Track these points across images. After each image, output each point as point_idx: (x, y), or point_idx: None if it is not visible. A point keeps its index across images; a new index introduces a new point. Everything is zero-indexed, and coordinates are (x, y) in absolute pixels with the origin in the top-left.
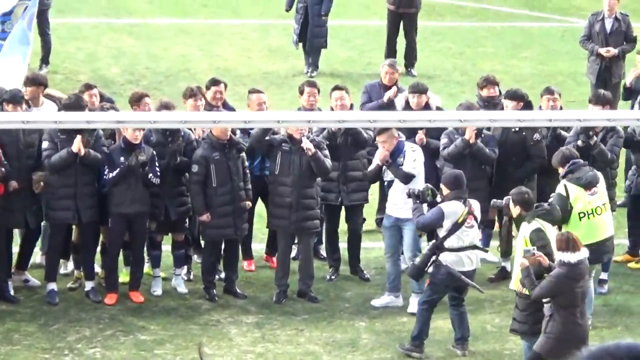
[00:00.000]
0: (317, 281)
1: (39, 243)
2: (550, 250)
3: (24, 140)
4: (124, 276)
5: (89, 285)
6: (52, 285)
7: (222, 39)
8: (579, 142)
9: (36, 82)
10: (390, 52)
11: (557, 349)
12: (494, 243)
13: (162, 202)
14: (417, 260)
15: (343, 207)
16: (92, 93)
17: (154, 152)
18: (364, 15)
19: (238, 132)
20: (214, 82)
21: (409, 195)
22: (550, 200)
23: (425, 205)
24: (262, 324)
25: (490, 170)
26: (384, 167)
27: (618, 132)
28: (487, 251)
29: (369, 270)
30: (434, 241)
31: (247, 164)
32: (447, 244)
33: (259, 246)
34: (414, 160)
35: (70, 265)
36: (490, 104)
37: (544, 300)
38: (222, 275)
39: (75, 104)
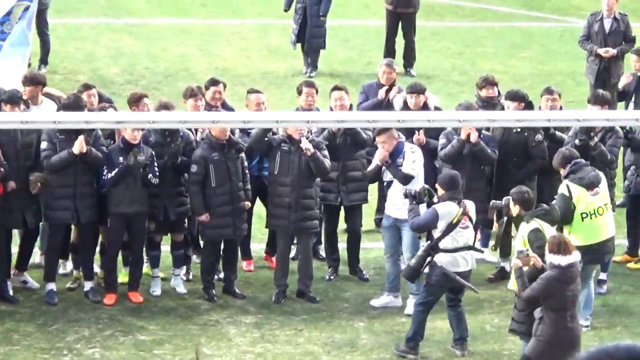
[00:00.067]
0: (316, 281)
1: (38, 243)
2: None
3: (22, 140)
4: (123, 276)
5: (88, 285)
6: (51, 286)
7: (221, 39)
8: (577, 142)
9: (34, 81)
10: (389, 52)
11: (547, 352)
12: (493, 243)
13: (161, 202)
14: (412, 261)
15: (342, 207)
16: (91, 93)
17: (153, 152)
18: (363, 15)
19: (237, 132)
20: (213, 82)
21: (406, 196)
22: (553, 201)
23: (422, 206)
24: (261, 324)
25: (490, 170)
26: (384, 168)
27: (617, 133)
28: (482, 252)
29: (368, 271)
30: (428, 242)
31: (246, 164)
32: (442, 244)
33: (258, 246)
34: (413, 161)
35: (69, 265)
36: (489, 104)
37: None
38: (221, 275)
39: (74, 104)
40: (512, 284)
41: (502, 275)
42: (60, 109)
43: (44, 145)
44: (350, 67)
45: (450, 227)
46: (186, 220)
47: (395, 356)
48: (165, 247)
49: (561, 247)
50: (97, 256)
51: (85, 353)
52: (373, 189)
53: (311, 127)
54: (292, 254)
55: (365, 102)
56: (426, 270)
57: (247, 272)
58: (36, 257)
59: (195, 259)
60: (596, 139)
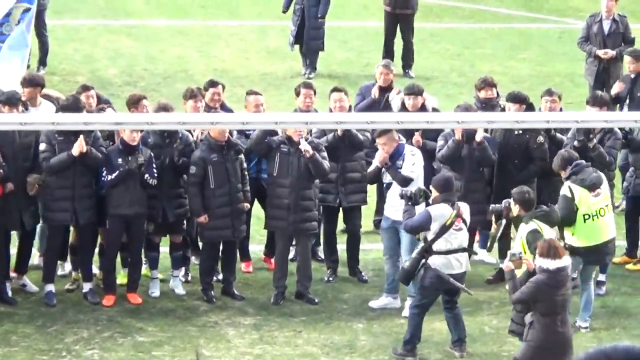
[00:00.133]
0: (315, 283)
1: (36, 244)
2: None
3: (20, 141)
4: (122, 278)
5: (86, 286)
6: (50, 287)
7: (219, 40)
8: (575, 143)
9: (33, 82)
10: (388, 53)
11: (537, 356)
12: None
13: (160, 203)
14: (407, 264)
15: (341, 209)
16: (89, 94)
17: (152, 154)
18: (361, 17)
19: (235, 133)
20: (212, 83)
21: (402, 197)
22: (556, 205)
23: (417, 208)
24: (260, 326)
25: (489, 172)
26: (383, 169)
27: (615, 134)
28: (476, 254)
29: (367, 272)
30: (422, 244)
31: (245, 165)
32: (436, 246)
33: (256, 248)
34: (413, 164)
35: (68, 266)
36: (488, 105)
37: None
38: (220, 276)
39: (72, 106)
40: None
41: (500, 277)
42: (59, 111)
43: (42, 146)
44: (348, 68)
45: (444, 229)
46: (185, 221)
47: (394, 359)
48: (164, 249)
49: (551, 251)
50: (96, 257)
51: (84, 354)
52: (372, 190)
53: (310, 128)
54: (291, 255)
55: (361, 102)
56: (420, 272)
57: (245, 273)
58: (35, 258)
59: (194, 260)
60: (595, 141)
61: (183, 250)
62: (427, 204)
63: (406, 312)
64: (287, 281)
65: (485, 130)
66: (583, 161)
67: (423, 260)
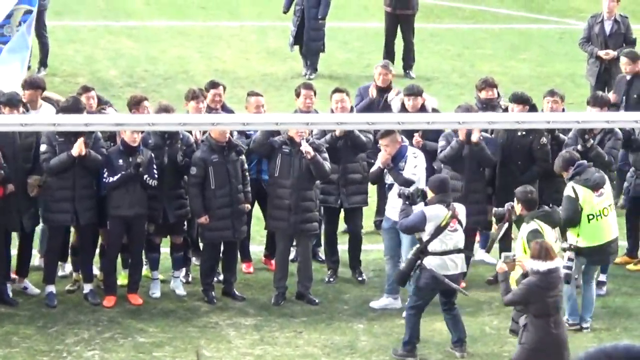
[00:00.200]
0: (316, 283)
1: (37, 245)
2: None
3: (20, 143)
4: (122, 279)
5: (87, 287)
6: (51, 288)
7: (220, 41)
8: (579, 147)
9: (34, 85)
10: (389, 54)
11: (532, 358)
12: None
13: (160, 204)
14: (402, 265)
15: (342, 210)
16: (90, 95)
17: (152, 155)
18: (362, 17)
19: (235, 134)
20: (213, 84)
21: (399, 196)
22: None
23: (414, 207)
24: (260, 326)
25: (490, 173)
26: (385, 170)
27: (616, 134)
28: (473, 255)
29: (367, 272)
30: (417, 245)
31: (246, 166)
32: (431, 247)
33: (257, 248)
34: (415, 166)
35: (69, 267)
36: (489, 106)
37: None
38: (221, 277)
39: (73, 107)
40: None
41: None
42: (59, 112)
43: (43, 148)
44: (349, 69)
45: (439, 230)
46: (186, 222)
47: (394, 359)
48: (165, 250)
49: (542, 253)
50: (96, 258)
51: (85, 355)
52: (372, 191)
53: (310, 129)
54: (292, 256)
55: (360, 103)
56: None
57: (246, 274)
58: (35, 259)
59: (194, 261)
60: (592, 141)
61: (184, 251)
62: (426, 204)
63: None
64: (287, 282)
65: (486, 131)
66: (584, 161)
67: (418, 261)
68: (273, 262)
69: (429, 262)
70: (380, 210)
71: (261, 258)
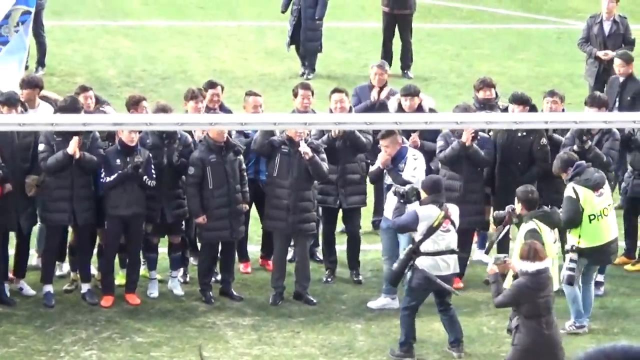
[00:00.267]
0: (314, 283)
1: (34, 245)
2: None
3: (18, 142)
4: (120, 278)
5: (85, 287)
6: (49, 288)
7: (218, 41)
8: (575, 147)
9: (32, 84)
10: (386, 54)
11: None
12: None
13: (158, 204)
14: (395, 265)
15: (341, 210)
16: (88, 95)
17: (150, 155)
18: (360, 17)
19: (234, 133)
20: (211, 84)
21: (395, 194)
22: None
23: (409, 206)
24: (258, 326)
25: (488, 173)
26: (385, 171)
27: (614, 135)
28: (466, 255)
29: (365, 273)
30: (410, 246)
31: (244, 166)
32: (423, 247)
33: (255, 248)
34: (414, 168)
35: (66, 267)
36: (487, 106)
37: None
38: (219, 277)
39: (71, 106)
40: (508, 284)
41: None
42: (57, 112)
43: (41, 147)
44: (347, 69)
45: (431, 230)
46: (183, 222)
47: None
48: (163, 250)
49: (530, 254)
50: (94, 258)
51: (83, 355)
52: (369, 191)
53: (308, 129)
54: (290, 256)
55: (357, 104)
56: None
57: (244, 274)
58: (33, 259)
59: (192, 261)
60: (590, 143)
61: (182, 251)
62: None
63: None
64: (285, 282)
65: (484, 130)
66: (583, 162)
67: (411, 262)
68: (270, 262)
69: (421, 262)
70: (378, 211)
71: (258, 259)
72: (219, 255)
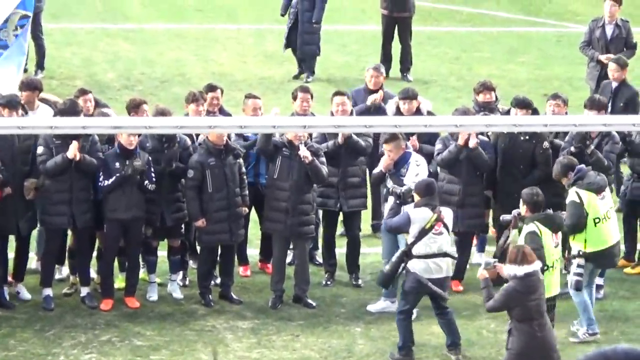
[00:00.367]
0: (313, 287)
1: (33, 248)
2: (542, 255)
3: (19, 145)
4: (119, 282)
5: (84, 290)
6: (48, 291)
7: (217, 44)
8: (572, 149)
9: (31, 86)
10: (386, 57)
11: None
12: (489, 248)
13: (158, 208)
14: (386, 267)
15: (341, 213)
16: (87, 98)
17: (150, 158)
18: (359, 20)
19: (233, 136)
20: (211, 88)
21: (391, 194)
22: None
23: (404, 207)
24: (257, 330)
25: (491, 176)
26: (387, 174)
27: (613, 138)
28: (455, 258)
29: (365, 276)
30: (402, 248)
31: (244, 169)
32: (415, 250)
33: (254, 252)
34: (416, 174)
35: (65, 270)
36: (487, 109)
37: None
38: (218, 280)
39: (70, 109)
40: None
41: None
42: (57, 114)
43: (40, 150)
44: (346, 72)
45: (423, 233)
46: (183, 225)
47: None
48: (162, 253)
49: (518, 257)
50: (93, 261)
51: (82, 358)
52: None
53: (308, 132)
54: (289, 259)
55: (353, 108)
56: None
57: (243, 277)
58: (32, 262)
59: (192, 264)
60: (592, 147)
61: (181, 254)
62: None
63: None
64: (284, 285)
65: (484, 134)
66: (583, 165)
67: (402, 264)
68: (269, 265)
69: (413, 265)
70: (376, 215)
71: (257, 263)
72: (218, 258)
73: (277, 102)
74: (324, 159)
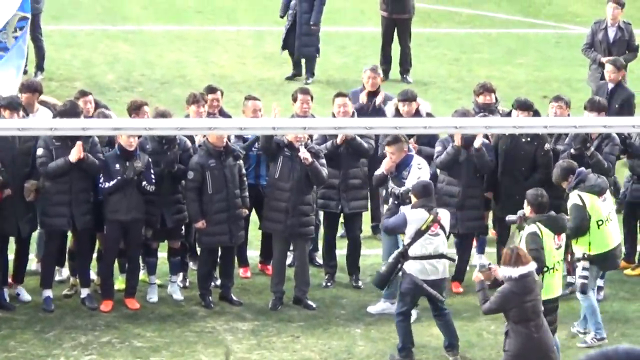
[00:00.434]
0: (313, 288)
1: (34, 249)
2: (542, 256)
3: (19, 147)
4: (119, 283)
5: (84, 292)
6: (48, 292)
7: (217, 46)
8: (572, 151)
9: (31, 88)
10: (385, 58)
11: None
12: (489, 249)
13: (158, 209)
14: (383, 268)
15: (342, 215)
16: (87, 100)
17: (149, 160)
18: (359, 22)
19: (233, 138)
20: (211, 89)
21: (390, 194)
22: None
23: (402, 208)
24: (257, 331)
25: (492, 178)
26: (389, 176)
27: (613, 140)
28: (454, 260)
29: (365, 277)
30: (398, 249)
31: (244, 171)
32: (411, 251)
33: (254, 253)
34: (417, 178)
35: (66, 272)
36: (487, 110)
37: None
38: (218, 282)
39: (70, 111)
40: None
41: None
42: (57, 116)
43: (40, 152)
44: (346, 73)
45: (419, 234)
46: (183, 227)
47: None
48: (162, 254)
49: (512, 259)
50: (93, 263)
51: None
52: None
53: (307, 133)
54: (289, 261)
55: None
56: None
57: (243, 278)
58: (32, 264)
59: (192, 265)
60: (592, 149)
61: (181, 255)
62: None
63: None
64: (284, 286)
65: (486, 136)
66: (582, 168)
67: (399, 265)
68: (269, 267)
69: (409, 267)
70: (375, 216)
71: (257, 265)
72: (218, 260)
73: (276, 103)
74: (324, 161)
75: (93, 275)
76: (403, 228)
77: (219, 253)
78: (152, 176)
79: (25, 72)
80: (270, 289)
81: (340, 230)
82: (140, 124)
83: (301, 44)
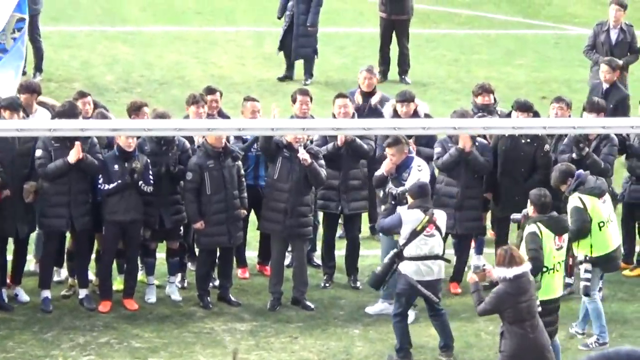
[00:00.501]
0: (311, 289)
1: (32, 250)
2: (541, 256)
3: (18, 148)
4: (118, 284)
5: (82, 292)
6: (46, 293)
7: (216, 47)
8: (574, 155)
9: (30, 89)
10: (384, 59)
11: None
12: (487, 250)
13: (157, 210)
14: (378, 269)
15: (341, 215)
16: (86, 101)
17: (148, 160)
18: (357, 23)
19: (232, 139)
20: (210, 90)
21: (388, 194)
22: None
23: (399, 208)
24: (256, 332)
25: (491, 179)
26: (389, 177)
27: (612, 140)
28: (449, 261)
29: (363, 278)
30: (395, 250)
31: (243, 172)
32: (406, 252)
33: (253, 254)
34: (418, 179)
35: (64, 272)
36: (486, 111)
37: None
38: (216, 282)
39: (69, 112)
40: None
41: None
42: (55, 117)
43: (38, 153)
44: (344, 74)
45: (414, 234)
46: (182, 228)
47: None
48: (161, 255)
49: (506, 259)
50: (92, 264)
51: None
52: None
53: (306, 134)
54: (287, 261)
55: None
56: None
57: (242, 279)
58: (31, 264)
59: (190, 266)
60: (587, 149)
61: (180, 256)
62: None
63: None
64: (283, 287)
65: (484, 137)
66: (581, 170)
67: (394, 266)
68: (267, 268)
69: (404, 267)
70: (373, 217)
71: (256, 265)
72: (217, 260)
73: (275, 104)
74: (323, 162)
75: (91, 275)
76: (398, 228)
77: (218, 254)
78: (150, 177)
79: (24, 73)
80: (269, 289)
81: (339, 231)
82: (138, 124)
83: (298, 45)
